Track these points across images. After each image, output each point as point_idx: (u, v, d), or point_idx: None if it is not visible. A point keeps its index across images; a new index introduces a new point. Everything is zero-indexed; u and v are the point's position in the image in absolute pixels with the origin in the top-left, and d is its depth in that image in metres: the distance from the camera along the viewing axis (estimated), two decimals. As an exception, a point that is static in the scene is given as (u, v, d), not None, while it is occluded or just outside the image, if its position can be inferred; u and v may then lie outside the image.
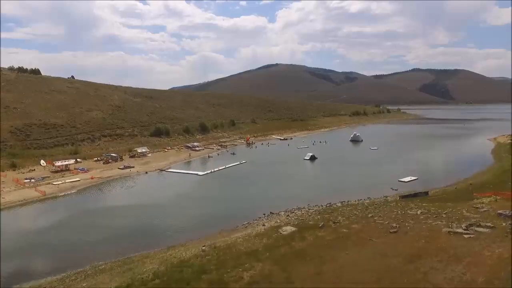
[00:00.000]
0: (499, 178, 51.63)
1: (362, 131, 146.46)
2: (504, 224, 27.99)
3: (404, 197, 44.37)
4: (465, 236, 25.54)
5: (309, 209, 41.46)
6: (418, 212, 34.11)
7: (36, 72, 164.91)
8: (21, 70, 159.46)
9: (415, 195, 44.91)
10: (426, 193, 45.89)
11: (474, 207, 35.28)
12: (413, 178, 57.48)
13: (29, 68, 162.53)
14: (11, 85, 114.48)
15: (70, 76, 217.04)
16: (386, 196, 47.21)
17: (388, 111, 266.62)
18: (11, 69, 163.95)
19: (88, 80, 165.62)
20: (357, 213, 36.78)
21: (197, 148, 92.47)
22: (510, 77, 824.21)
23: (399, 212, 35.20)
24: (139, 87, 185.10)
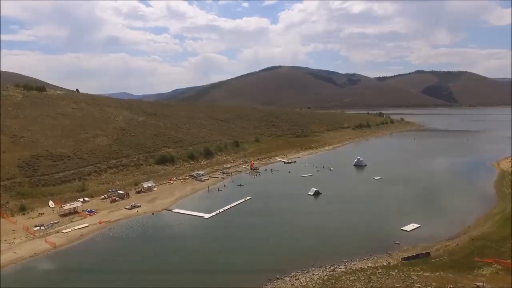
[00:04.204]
0: (500, 232, 52.32)
1: (365, 150, 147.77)
2: (503, 320, 29.14)
3: (406, 259, 45.18)
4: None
5: (313, 274, 42.39)
6: (420, 291, 35.13)
7: (41, 89, 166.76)
8: (26, 87, 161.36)
9: (416, 256, 45.75)
10: (428, 253, 46.65)
11: (475, 284, 36.26)
12: (415, 226, 57.93)
13: (31, 71, 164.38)
14: (18, 109, 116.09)
15: (75, 89, 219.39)
16: (389, 254, 48.13)
17: (392, 121, 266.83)
18: (16, 86, 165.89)
19: (93, 92, 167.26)
20: (360, 286, 37.79)
21: (202, 178, 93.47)
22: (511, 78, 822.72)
23: (401, 287, 36.25)
24: (140, 88, 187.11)
